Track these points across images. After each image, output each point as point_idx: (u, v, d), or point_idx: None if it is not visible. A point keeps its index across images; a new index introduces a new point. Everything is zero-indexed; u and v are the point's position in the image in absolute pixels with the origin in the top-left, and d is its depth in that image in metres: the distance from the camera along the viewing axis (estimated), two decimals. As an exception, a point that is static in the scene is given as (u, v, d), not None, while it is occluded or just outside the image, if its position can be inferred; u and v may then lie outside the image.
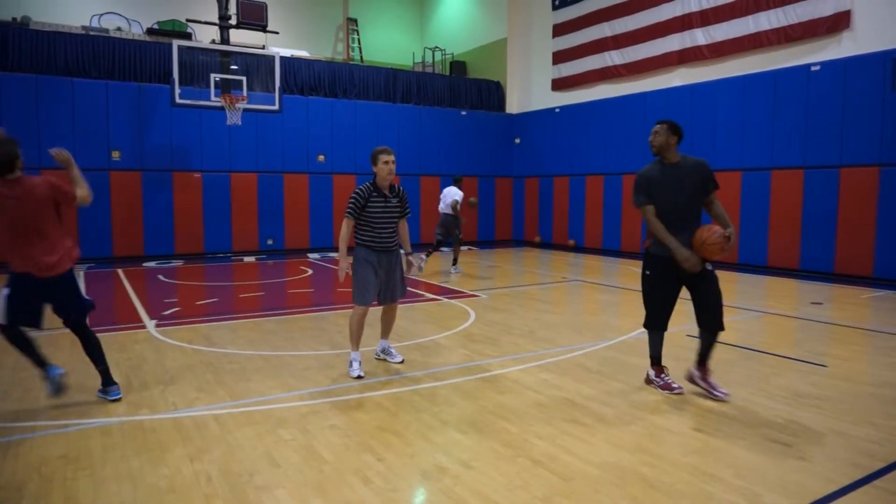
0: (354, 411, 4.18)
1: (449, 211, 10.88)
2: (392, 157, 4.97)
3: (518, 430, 3.84)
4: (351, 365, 4.97)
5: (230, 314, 7.67)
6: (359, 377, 4.87)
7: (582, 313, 7.82)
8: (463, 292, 9.15)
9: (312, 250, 15.32)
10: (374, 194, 4.98)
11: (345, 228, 4.99)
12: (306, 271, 11.84)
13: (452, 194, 10.92)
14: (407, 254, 5.24)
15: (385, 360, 5.38)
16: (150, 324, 6.95)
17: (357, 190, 4.99)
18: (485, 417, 4.06)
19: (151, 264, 12.70)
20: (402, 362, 5.32)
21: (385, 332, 5.42)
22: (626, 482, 3.15)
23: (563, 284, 10.36)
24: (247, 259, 13.87)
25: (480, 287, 9.76)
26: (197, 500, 2.96)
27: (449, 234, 11.04)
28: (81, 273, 11.30)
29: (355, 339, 5.04)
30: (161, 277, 10.89)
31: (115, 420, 4.00)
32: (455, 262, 11.41)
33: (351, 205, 4.95)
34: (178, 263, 12.97)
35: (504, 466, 3.33)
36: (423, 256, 10.36)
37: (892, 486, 3.12)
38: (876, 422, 3.98)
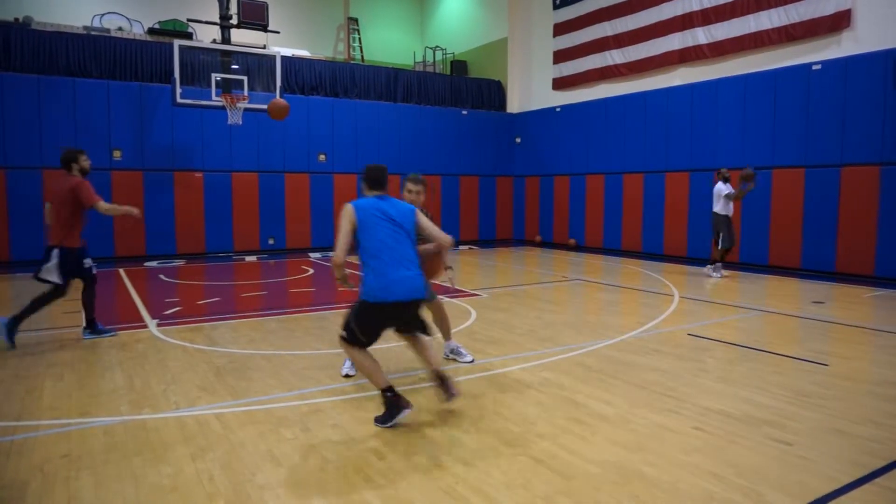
0: (356, 410, 4.19)
1: (718, 210, 10.53)
2: (418, 188, 4.90)
3: (519, 428, 3.85)
4: (345, 362, 5.02)
5: (231, 313, 7.68)
6: (347, 376, 4.90)
7: (583, 312, 7.82)
8: (464, 291, 9.16)
9: (313, 250, 15.33)
10: None
11: None
12: (307, 271, 11.85)
13: (719, 191, 10.52)
14: (446, 268, 5.18)
15: (455, 360, 5.35)
16: (152, 323, 6.96)
17: None
18: (486, 416, 4.06)
19: (153, 264, 12.71)
20: (472, 362, 5.30)
21: (445, 334, 5.35)
22: (627, 481, 3.15)
23: (563, 284, 10.36)
24: (248, 258, 13.88)
25: (481, 286, 9.77)
26: (199, 498, 2.97)
27: (718, 235, 10.63)
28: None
29: None
30: (162, 277, 10.90)
31: (117, 419, 4.01)
32: (714, 262, 10.85)
33: None
34: (179, 263, 12.98)
35: (505, 465, 3.33)
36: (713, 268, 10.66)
37: (894, 484, 3.12)
38: (877, 420, 3.98)
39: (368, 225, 3.90)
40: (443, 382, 4.02)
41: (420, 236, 4.63)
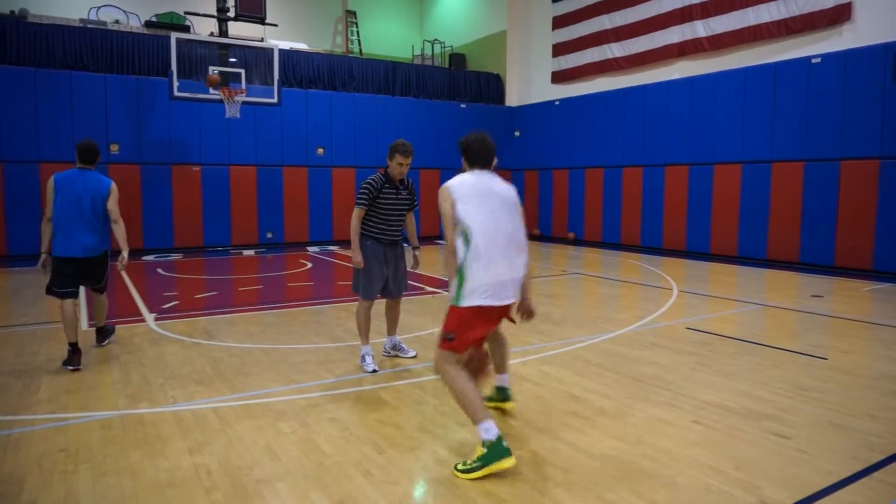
0: (354, 404, 4.18)
1: None
2: (408, 161, 4.82)
3: (518, 422, 3.84)
4: (364, 360, 4.93)
5: (229, 308, 7.67)
6: (374, 371, 4.83)
7: (582, 306, 7.82)
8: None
9: (312, 243, 15.31)
10: (387, 185, 4.89)
11: (356, 219, 4.88)
12: (306, 264, 11.83)
13: None
14: (414, 248, 5.19)
15: (397, 355, 5.28)
16: (150, 317, 6.95)
17: (370, 179, 4.87)
18: (485, 410, 4.05)
19: (150, 258, 12.69)
20: (415, 357, 5.24)
21: (392, 328, 5.31)
22: (626, 475, 3.15)
23: (562, 277, 10.36)
24: (246, 252, 13.85)
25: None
26: (197, 493, 2.96)
27: None
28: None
29: (364, 333, 5.01)
30: (160, 271, 10.87)
31: (114, 413, 4.00)
32: None
33: (364, 194, 4.84)
34: (177, 257, 12.95)
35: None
36: None
37: (892, 478, 3.13)
38: (876, 414, 3.99)
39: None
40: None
41: None
